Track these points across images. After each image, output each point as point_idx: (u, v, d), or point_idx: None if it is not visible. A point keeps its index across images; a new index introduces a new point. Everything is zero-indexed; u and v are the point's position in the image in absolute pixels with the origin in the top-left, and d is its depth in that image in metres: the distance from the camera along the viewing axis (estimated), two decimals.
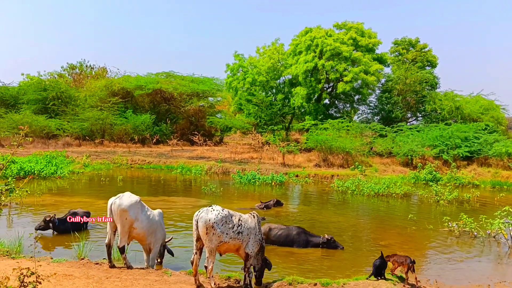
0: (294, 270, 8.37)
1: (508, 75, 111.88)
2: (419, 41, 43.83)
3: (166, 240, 8.56)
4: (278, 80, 39.33)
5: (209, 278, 6.62)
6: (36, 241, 5.77)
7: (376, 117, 38.68)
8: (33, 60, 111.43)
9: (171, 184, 21.05)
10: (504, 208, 11.56)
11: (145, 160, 28.19)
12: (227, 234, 6.60)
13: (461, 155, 26.16)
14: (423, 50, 43.16)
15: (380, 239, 11.31)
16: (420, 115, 38.05)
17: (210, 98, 45.45)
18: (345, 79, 33.13)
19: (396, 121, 35.01)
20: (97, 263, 7.70)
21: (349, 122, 32.04)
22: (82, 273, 6.98)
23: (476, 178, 23.36)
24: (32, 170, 19.49)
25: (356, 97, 37.67)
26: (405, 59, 43.27)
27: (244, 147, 33.94)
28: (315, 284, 7.05)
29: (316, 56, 34.09)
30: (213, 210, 6.59)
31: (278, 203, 15.21)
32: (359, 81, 33.69)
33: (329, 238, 10.12)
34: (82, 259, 7.96)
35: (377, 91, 38.34)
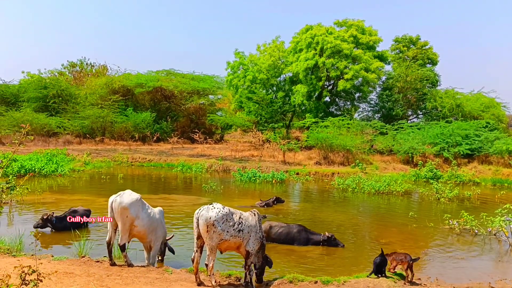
0: (295, 268, 8.37)
1: (509, 72, 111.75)
2: (420, 39, 43.81)
3: (168, 237, 8.57)
4: (279, 78, 39.33)
5: (209, 276, 6.62)
6: (37, 239, 5.77)
7: (376, 115, 38.67)
8: (34, 58, 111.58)
9: (171, 182, 21.06)
10: (505, 206, 11.54)
11: (146, 158, 28.20)
12: (227, 232, 6.60)
13: (462, 153, 26.14)
14: (423, 48, 43.10)
15: (381, 237, 11.32)
16: (421, 113, 38.01)
17: (210, 96, 45.42)
18: (345, 76, 33.10)
19: (397, 118, 34.97)
20: (97, 261, 7.71)
21: (350, 120, 32.04)
22: (83, 271, 6.98)
23: (477, 176, 23.35)
24: (33, 168, 19.50)
25: (357, 94, 37.66)
26: (405, 56, 43.22)
27: (245, 145, 33.93)
28: (316, 282, 7.05)
29: (316, 53, 34.05)
30: (214, 208, 6.59)
31: (278, 200, 15.20)
32: (360, 79, 33.66)
33: (329, 236, 10.12)
34: (83, 257, 7.96)
35: (378, 89, 38.35)
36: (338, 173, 23.52)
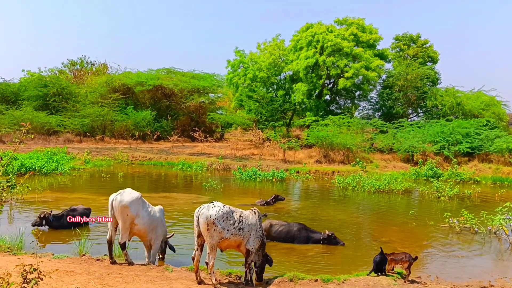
0: (295, 266, 8.39)
1: (509, 71, 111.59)
2: (420, 37, 43.78)
3: (168, 236, 8.58)
4: (279, 76, 39.28)
5: (210, 274, 6.63)
6: (37, 238, 5.78)
7: (377, 113, 38.66)
8: (34, 57, 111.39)
9: (172, 181, 21.07)
10: (505, 204, 11.54)
11: (146, 157, 28.21)
12: (228, 230, 6.60)
13: (462, 151, 26.13)
14: (424, 46, 43.07)
15: (381, 235, 11.33)
16: (421, 111, 37.99)
17: (211, 95, 45.42)
18: (346, 75, 33.07)
19: (397, 117, 34.95)
20: (98, 259, 7.72)
21: (350, 118, 32.03)
22: (83, 269, 6.99)
23: (477, 174, 23.35)
24: (33, 167, 19.52)
25: (357, 93, 37.62)
26: (406, 55, 43.21)
27: (245, 144, 33.93)
28: (316, 280, 7.06)
29: (317, 52, 34.00)
30: (214, 206, 6.59)
31: (278, 199, 15.17)
32: (360, 77, 33.61)
33: (329, 234, 10.13)
34: (83, 255, 7.97)
35: (378, 87, 38.32)
36: (339, 172, 23.52)
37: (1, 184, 5.20)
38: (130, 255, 7.77)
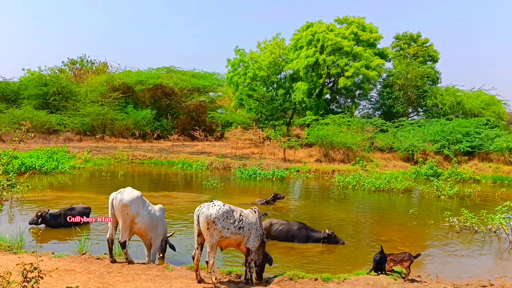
0: (295, 265, 8.40)
1: (509, 70, 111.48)
2: (421, 36, 43.68)
3: (168, 235, 8.58)
4: (279, 75, 39.22)
5: (210, 273, 6.63)
6: (38, 236, 5.78)
7: (377, 112, 38.63)
8: (34, 55, 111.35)
9: (172, 179, 21.08)
10: (505, 203, 11.54)
11: (146, 155, 28.22)
12: (228, 229, 6.60)
13: (462, 150, 26.12)
14: (424, 45, 42.99)
15: (381, 234, 11.33)
16: (421, 110, 37.95)
17: (211, 93, 45.40)
18: (346, 74, 33.04)
19: (397, 116, 34.94)
20: (98, 258, 7.72)
21: (350, 117, 32.00)
22: (84, 268, 7.00)
23: (477, 173, 23.34)
24: (33, 165, 19.53)
25: (357, 92, 37.58)
26: (406, 54, 43.13)
27: (245, 143, 33.92)
28: (316, 279, 7.07)
29: (317, 51, 33.97)
30: (214, 205, 6.59)
31: (277, 197, 15.16)
32: (360, 76, 33.57)
33: (329, 233, 10.13)
34: (83, 254, 7.98)
35: (378, 86, 38.26)
36: (339, 171, 23.52)
37: (1, 183, 5.20)
38: (130, 254, 7.78)
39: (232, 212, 6.73)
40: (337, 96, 38.76)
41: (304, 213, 13.89)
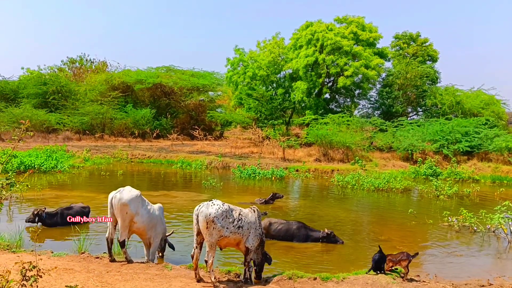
0: (294, 265, 8.40)
1: (509, 70, 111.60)
2: (420, 36, 43.66)
3: (167, 234, 8.58)
4: (279, 75, 39.21)
5: (209, 272, 6.63)
6: (36, 235, 5.78)
7: (376, 112, 38.63)
8: (33, 54, 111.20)
9: (171, 179, 21.07)
10: (504, 203, 11.57)
11: (145, 155, 28.21)
12: (227, 228, 6.60)
13: (462, 150, 26.15)
14: (424, 45, 42.97)
15: (380, 233, 11.34)
16: (421, 110, 37.97)
17: (210, 93, 45.34)
18: (345, 73, 33.04)
19: (397, 115, 34.96)
20: (97, 257, 7.72)
21: (350, 116, 32.01)
22: (83, 267, 7.00)
23: (476, 173, 23.38)
24: (33, 164, 19.51)
25: (357, 91, 37.60)
26: (405, 53, 43.11)
27: (245, 142, 33.93)
28: (315, 278, 7.07)
29: (316, 50, 33.97)
30: (214, 204, 6.59)
31: (276, 196, 15.14)
32: (360, 76, 33.59)
33: (329, 232, 10.14)
34: (83, 253, 7.98)
35: (378, 86, 38.27)
36: (338, 170, 23.53)
37: (1, 182, 5.20)
38: (130, 253, 7.78)
39: (231, 211, 6.73)
40: (337, 96, 38.76)
41: (303, 212, 13.90)
